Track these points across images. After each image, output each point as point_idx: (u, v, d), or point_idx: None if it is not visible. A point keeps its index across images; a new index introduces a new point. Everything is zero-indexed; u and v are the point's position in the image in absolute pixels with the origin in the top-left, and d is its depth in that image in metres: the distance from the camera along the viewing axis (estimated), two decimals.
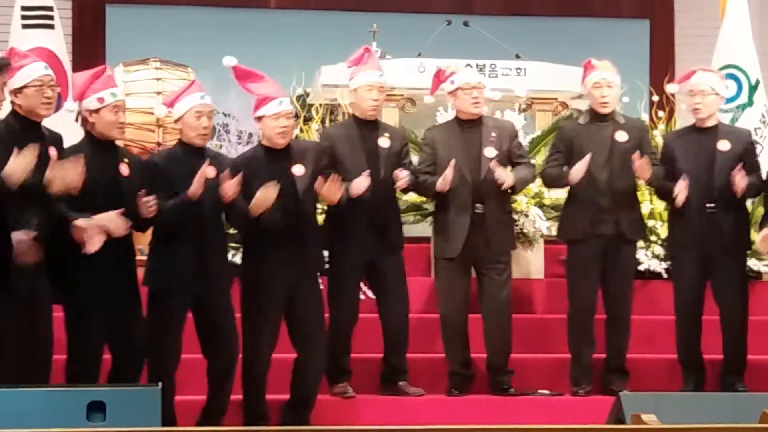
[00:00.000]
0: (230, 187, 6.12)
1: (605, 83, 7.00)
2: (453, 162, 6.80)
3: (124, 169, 6.10)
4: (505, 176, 6.84)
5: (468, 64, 7.96)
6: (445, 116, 8.02)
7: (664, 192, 7.05)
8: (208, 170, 6.16)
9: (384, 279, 6.85)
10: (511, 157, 6.99)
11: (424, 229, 7.99)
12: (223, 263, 6.39)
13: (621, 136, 6.98)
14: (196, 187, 6.04)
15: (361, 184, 6.63)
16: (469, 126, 6.98)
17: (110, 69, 6.39)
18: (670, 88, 7.44)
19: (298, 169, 6.46)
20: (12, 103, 5.75)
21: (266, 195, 6.21)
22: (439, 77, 7.14)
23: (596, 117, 7.04)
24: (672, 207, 7.05)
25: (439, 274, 7.08)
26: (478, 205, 6.88)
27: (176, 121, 6.31)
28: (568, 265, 7.12)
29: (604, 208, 6.92)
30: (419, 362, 7.07)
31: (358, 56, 6.94)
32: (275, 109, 6.42)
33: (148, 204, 5.96)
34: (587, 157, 6.83)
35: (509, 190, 6.98)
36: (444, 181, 6.78)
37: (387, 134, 6.90)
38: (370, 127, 6.89)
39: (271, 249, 6.37)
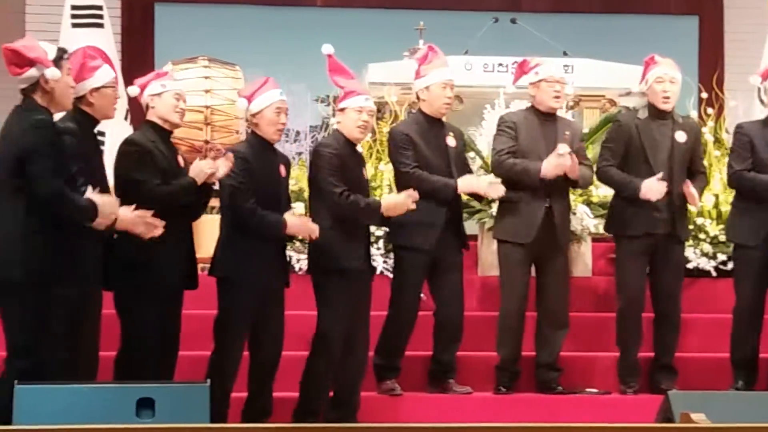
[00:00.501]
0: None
1: (668, 78, 6.94)
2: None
3: (181, 161, 6.26)
4: (576, 166, 6.81)
5: (515, 61, 7.94)
6: (492, 114, 8.01)
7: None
8: (282, 169, 6.37)
9: (446, 276, 6.82)
10: (578, 156, 6.95)
11: (470, 227, 7.97)
12: (285, 258, 6.50)
13: (680, 137, 6.93)
14: None
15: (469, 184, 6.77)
16: (546, 119, 6.96)
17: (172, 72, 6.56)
18: (753, 80, 7.28)
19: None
20: (80, 100, 5.88)
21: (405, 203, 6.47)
22: (523, 67, 7.09)
23: (656, 113, 6.98)
24: (737, 203, 7.00)
25: (504, 264, 6.97)
26: (547, 199, 6.87)
27: (254, 115, 6.37)
28: (618, 261, 7.07)
29: (659, 207, 6.87)
30: (465, 360, 7.05)
31: (423, 55, 6.93)
32: (361, 103, 6.52)
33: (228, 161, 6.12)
34: (659, 182, 6.78)
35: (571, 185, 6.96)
36: (555, 171, 6.75)
37: (451, 133, 6.91)
38: (438, 125, 6.88)
39: (343, 240, 6.42)
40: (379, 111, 8.62)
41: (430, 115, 6.86)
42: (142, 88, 6.25)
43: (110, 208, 5.60)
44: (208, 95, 7.78)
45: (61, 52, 5.63)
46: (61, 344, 5.50)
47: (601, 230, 7.61)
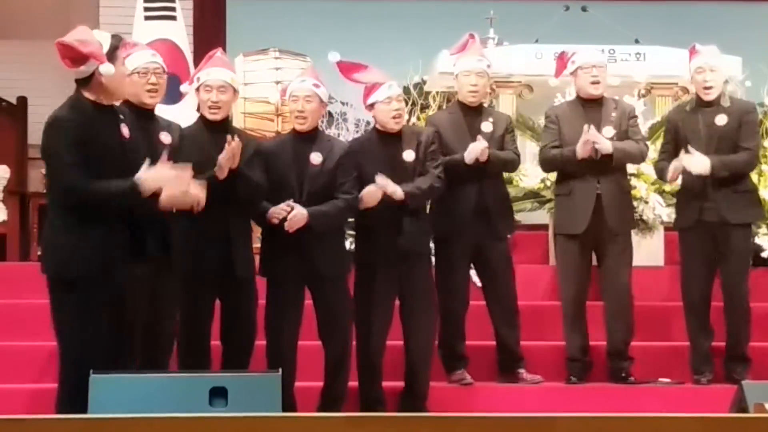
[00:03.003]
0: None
1: (708, 68, 6.88)
2: (585, 129, 6.76)
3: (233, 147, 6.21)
4: (603, 141, 6.78)
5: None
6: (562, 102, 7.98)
7: None
8: (312, 156, 6.30)
9: (489, 266, 6.86)
10: (628, 135, 6.93)
11: (541, 216, 7.95)
12: (335, 249, 6.44)
13: (720, 120, 6.87)
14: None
15: (472, 151, 6.64)
16: (590, 105, 6.95)
17: (220, 51, 6.49)
18: None
19: (408, 155, 6.52)
20: None
21: (373, 195, 6.35)
22: (563, 59, 7.12)
23: (702, 103, 6.93)
24: None
25: (559, 254, 7.03)
26: (597, 186, 6.84)
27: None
28: (680, 254, 7.06)
29: (707, 195, 6.82)
30: (537, 350, 7.05)
31: (462, 44, 6.97)
32: (386, 93, 6.51)
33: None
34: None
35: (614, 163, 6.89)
36: (584, 148, 6.75)
37: (491, 119, 6.91)
38: (473, 112, 6.89)
39: (379, 233, 6.45)
40: (448, 101, 8.64)
41: (464, 103, 6.88)
42: (190, 83, 6.31)
43: (155, 174, 5.37)
44: (278, 86, 7.82)
45: (117, 41, 5.52)
46: (112, 338, 5.47)
47: (674, 219, 7.56)
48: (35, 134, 10.28)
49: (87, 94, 5.42)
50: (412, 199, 6.46)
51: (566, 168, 6.92)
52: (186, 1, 10.15)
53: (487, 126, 6.86)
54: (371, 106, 6.56)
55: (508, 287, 6.88)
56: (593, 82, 6.93)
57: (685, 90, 8.78)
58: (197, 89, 6.26)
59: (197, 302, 6.14)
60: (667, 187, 7.87)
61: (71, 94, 5.49)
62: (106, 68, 5.38)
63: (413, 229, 6.50)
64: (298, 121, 6.40)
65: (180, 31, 8.40)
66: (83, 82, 5.43)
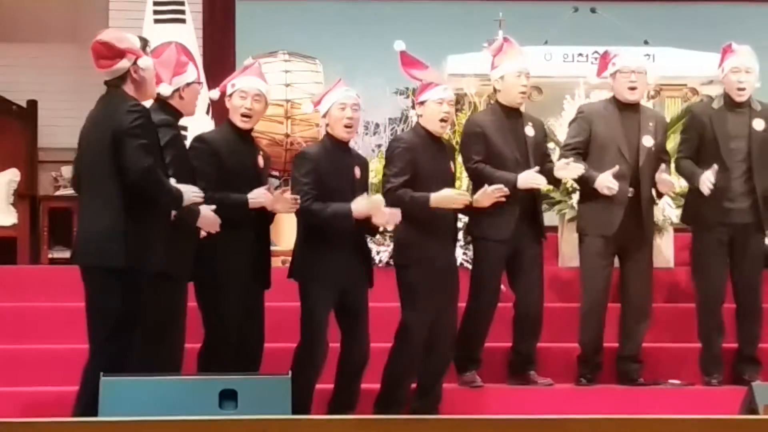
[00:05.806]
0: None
1: (744, 68, 6.86)
2: (617, 168, 6.73)
3: (261, 161, 6.29)
4: (669, 184, 6.83)
5: (595, 51, 7.90)
6: (571, 104, 7.97)
7: None
8: (356, 170, 6.34)
9: (524, 267, 6.81)
10: (657, 151, 6.92)
11: (550, 218, 7.94)
12: (366, 255, 6.48)
13: (758, 124, 6.86)
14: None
15: (529, 179, 6.64)
16: (627, 110, 6.91)
17: (258, 63, 6.54)
18: None
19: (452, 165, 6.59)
20: (171, 95, 5.97)
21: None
22: (605, 59, 7.07)
23: (731, 103, 6.90)
24: None
25: (586, 253, 6.94)
26: (631, 189, 6.82)
27: (324, 116, 6.40)
28: (694, 252, 7.03)
29: (737, 197, 6.80)
30: (546, 352, 7.04)
31: (498, 46, 6.94)
32: (440, 95, 6.51)
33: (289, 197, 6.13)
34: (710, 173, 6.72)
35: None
36: (604, 186, 6.74)
37: (530, 123, 6.89)
38: (515, 115, 6.87)
39: (427, 235, 6.42)
40: (458, 102, 8.62)
41: (507, 105, 6.85)
42: (222, 90, 6.33)
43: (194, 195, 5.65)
44: (288, 89, 7.83)
45: (144, 42, 5.70)
46: (148, 335, 5.56)
47: (687, 216, 7.55)
48: (45, 137, 10.33)
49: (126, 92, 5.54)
50: None
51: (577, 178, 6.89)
52: (195, 3, 10.18)
53: (530, 131, 6.84)
54: (422, 103, 6.55)
55: (537, 291, 6.83)
56: (630, 88, 6.86)
57: (695, 91, 8.77)
58: (230, 95, 6.26)
59: (227, 307, 6.11)
60: (677, 189, 7.85)
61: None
62: (145, 61, 5.54)
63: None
64: (347, 130, 6.36)
65: (189, 34, 8.40)
66: (118, 82, 5.54)
